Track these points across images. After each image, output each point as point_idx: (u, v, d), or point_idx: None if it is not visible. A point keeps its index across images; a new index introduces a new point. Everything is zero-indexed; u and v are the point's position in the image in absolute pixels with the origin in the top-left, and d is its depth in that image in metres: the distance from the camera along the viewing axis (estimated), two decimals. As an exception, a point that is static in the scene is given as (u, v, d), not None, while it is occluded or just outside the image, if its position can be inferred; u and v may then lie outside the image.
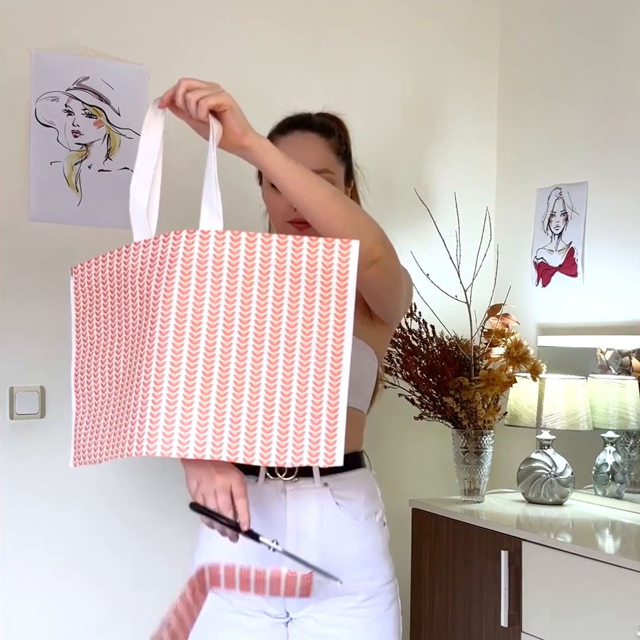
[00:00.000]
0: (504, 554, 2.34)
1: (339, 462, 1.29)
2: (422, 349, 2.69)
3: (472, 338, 2.71)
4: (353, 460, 1.80)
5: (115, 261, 1.46)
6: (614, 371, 2.67)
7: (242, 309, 1.32)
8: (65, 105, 2.49)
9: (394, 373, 2.71)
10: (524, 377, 2.67)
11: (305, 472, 1.73)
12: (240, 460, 1.30)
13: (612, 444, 2.65)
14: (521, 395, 2.72)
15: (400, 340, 2.71)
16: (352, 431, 1.64)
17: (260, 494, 1.72)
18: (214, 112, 1.46)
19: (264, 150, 1.47)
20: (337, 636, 1.73)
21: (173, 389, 1.30)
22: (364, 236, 1.48)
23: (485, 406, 2.65)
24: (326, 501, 1.73)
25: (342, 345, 1.31)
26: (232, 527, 1.50)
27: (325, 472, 1.73)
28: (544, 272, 2.95)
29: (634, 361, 2.61)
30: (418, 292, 2.75)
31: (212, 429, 1.29)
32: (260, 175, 1.87)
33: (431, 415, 2.73)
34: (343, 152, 1.85)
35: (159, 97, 1.46)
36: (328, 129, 1.84)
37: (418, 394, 2.72)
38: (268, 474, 1.73)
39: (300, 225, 1.74)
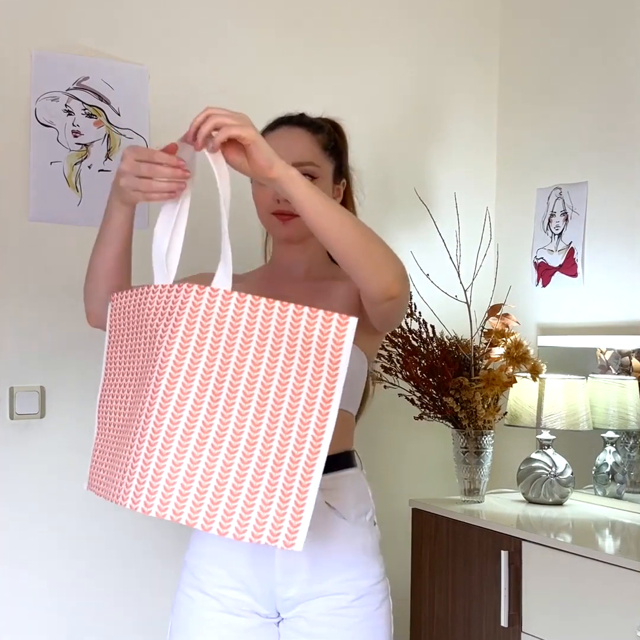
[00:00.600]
0: (504, 554, 2.34)
1: (299, 547, 1.27)
2: (422, 349, 2.69)
3: (472, 338, 2.71)
4: (343, 460, 1.81)
5: (139, 298, 1.47)
6: (614, 371, 2.67)
7: (234, 371, 1.32)
8: (65, 105, 2.49)
9: (394, 373, 2.71)
10: (524, 377, 2.67)
11: None
12: (198, 527, 1.29)
13: (612, 444, 2.65)
14: (521, 395, 2.72)
15: (400, 340, 2.71)
16: (341, 433, 1.65)
17: None
18: (234, 147, 1.46)
19: (291, 180, 1.49)
20: (328, 635, 1.73)
21: (163, 450, 1.31)
22: (382, 270, 1.58)
23: (485, 406, 2.65)
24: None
25: (325, 428, 1.29)
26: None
27: None
28: (544, 272, 2.95)
29: (634, 361, 2.61)
30: (418, 292, 2.75)
31: (184, 491, 1.30)
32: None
33: (431, 415, 2.73)
34: (331, 148, 1.86)
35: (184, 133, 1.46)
36: (317, 126, 1.86)
37: (418, 394, 2.72)
38: None
39: (284, 217, 1.79)
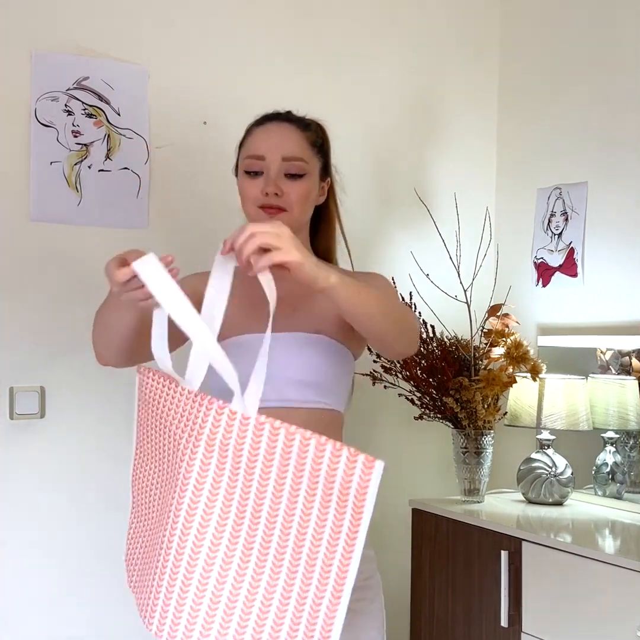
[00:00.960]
0: (504, 554, 2.34)
1: None
2: (422, 349, 2.69)
3: (472, 338, 2.71)
4: None
5: (165, 393, 1.39)
6: (614, 371, 2.67)
7: (255, 503, 1.25)
8: (65, 105, 2.49)
9: (394, 373, 2.71)
10: (524, 377, 2.67)
11: None
12: None
13: (612, 444, 2.65)
14: (521, 395, 2.72)
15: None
16: (331, 432, 1.66)
17: None
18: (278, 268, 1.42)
19: (333, 289, 1.52)
20: None
21: (184, 586, 1.27)
22: (400, 341, 1.73)
23: (485, 406, 2.65)
24: None
25: (346, 574, 1.20)
26: None
27: None
28: (544, 272, 2.95)
29: (634, 361, 2.61)
30: (418, 292, 2.76)
31: (206, 629, 1.27)
32: (236, 167, 1.90)
33: (431, 415, 2.73)
34: (319, 146, 1.87)
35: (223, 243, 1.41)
36: (305, 123, 1.87)
37: (418, 394, 2.72)
38: None
39: (272, 211, 1.79)
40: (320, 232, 1.96)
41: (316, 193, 1.86)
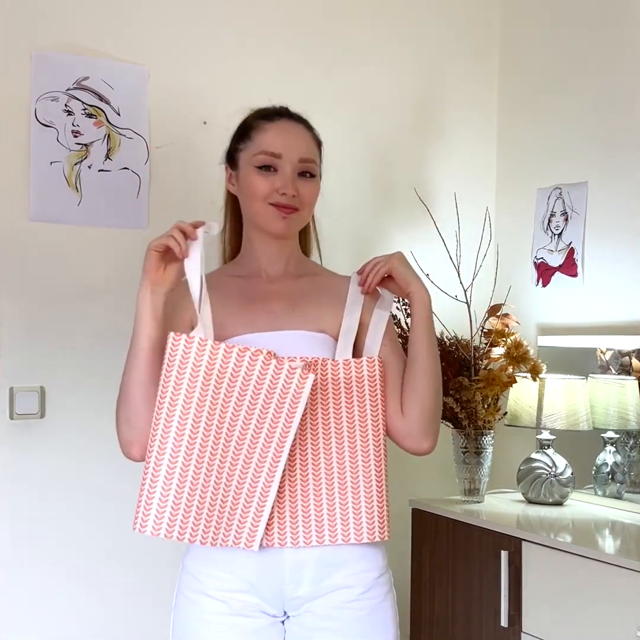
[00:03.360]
0: (504, 554, 2.34)
1: (255, 548, 1.67)
2: (422, 349, 2.69)
3: (472, 338, 2.71)
4: None
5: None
6: (614, 371, 2.67)
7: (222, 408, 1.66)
8: (65, 105, 2.49)
9: (394, 373, 2.71)
10: (524, 377, 2.67)
11: None
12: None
13: (612, 444, 2.65)
14: (521, 395, 2.72)
15: (400, 340, 2.70)
16: None
17: None
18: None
19: (421, 303, 1.81)
20: (334, 629, 1.73)
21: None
22: (429, 427, 1.86)
23: (485, 406, 2.65)
24: None
25: (280, 458, 1.66)
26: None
27: None
28: (544, 272, 2.95)
29: (634, 361, 2.61)
30: (418, 292, 2.75)
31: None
32: (229, 155, 1.88)
33: (431, 415, 2.72)
34: (320, 145, 1.89)
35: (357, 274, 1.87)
36: (308, 124, 1.88)
37: (418, 394, 2.71)
38: None
39: (287, 210, 1.79)
40: (303, 231, 1.96)
41: (318, 194, 1.87)
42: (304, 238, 1.96)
